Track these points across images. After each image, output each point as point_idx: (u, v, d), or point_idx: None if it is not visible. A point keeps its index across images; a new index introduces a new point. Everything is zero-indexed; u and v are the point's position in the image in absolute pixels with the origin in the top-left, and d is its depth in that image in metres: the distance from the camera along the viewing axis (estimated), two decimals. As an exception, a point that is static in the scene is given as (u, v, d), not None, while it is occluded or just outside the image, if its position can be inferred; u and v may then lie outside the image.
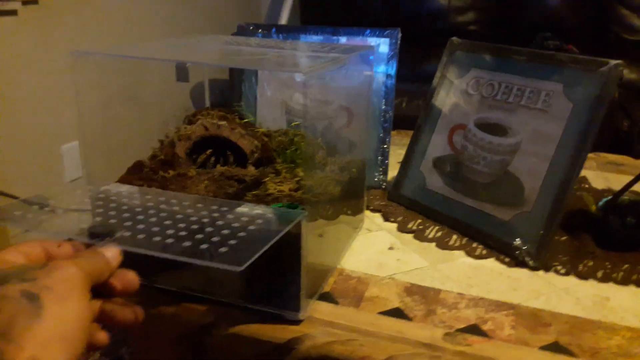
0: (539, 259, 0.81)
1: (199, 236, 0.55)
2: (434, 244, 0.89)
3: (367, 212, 0.98)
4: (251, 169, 0.80)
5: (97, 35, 1.39)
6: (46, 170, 1.78)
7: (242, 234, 0.56)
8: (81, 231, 0.54)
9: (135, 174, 0.76)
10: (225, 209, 0.63)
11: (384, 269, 0.81)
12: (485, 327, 0.69)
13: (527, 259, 0.82)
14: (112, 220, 0.58)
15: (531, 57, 0.89)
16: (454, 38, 1.01)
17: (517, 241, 0.84)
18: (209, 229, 0.56)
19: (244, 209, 0.64)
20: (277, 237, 0.55)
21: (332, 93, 1.06)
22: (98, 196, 0.64)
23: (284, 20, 2.70)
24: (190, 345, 0.72)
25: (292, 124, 0.96)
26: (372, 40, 1.02)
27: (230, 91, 1.06)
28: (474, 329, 0.69)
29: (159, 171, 0.77)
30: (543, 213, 0.83)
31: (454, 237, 0.90)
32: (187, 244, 0.53)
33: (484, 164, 0.91)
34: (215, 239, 0.54)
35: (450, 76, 1.00)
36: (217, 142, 0.82)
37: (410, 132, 1.06)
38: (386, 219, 0.96)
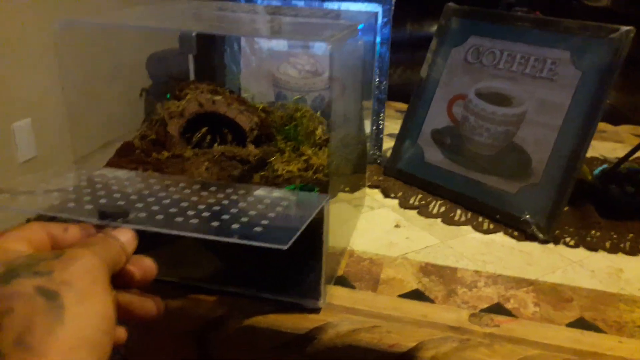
0: (549, 232, 0.80)
1: (225, 217, 0.49)
2: (439, 219, 0.86)
3: (366, 189, 0.94)
4: (251, 148, 0.74)
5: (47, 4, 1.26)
6: (-5, 151, 1.65)
7: (271, 214, 0.51)
8: (89, 212, 0.47)
9: (126, 157, 0.69)
10: (242, 191, 0.57)
11: (395, 249, 0.77)
12: (508, 306, 0.67)
13: (537, 232, 0.80)
14: (120, 203, 0.51)
15: (535, 24, 0.85)
16: (450, 3, 0.96)
17: (526, 214, 0.82)
18: (233, 210, 0.51)
19: (261, 192, 0.59)
20: (311, 218, 0.50)
21: (322, 63, 1.00)
22: (95, 180, 0.57)
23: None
24: (195, 341, 0.67)
25: (295, 97, 0.90)
26: (364, 6, 0.96)
27: (208, 62, 0.98)
28: (498, 309, 0.66)
29: (152, 153, 0.69)
30: (552, 185, 0.81)
31: (458, 211, 0.88)
32: (215, 223, 0.47)
33: (487, 136, 0.88)
34: (244, 219, 0.48)
35: (447, 44, 0.95)
36: (212, 119, 0.75)
37: (403, 104, 1.02)
38: (386, 195, 0.93)
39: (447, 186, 0.91)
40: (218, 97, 0.74)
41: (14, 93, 1.66)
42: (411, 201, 0.90)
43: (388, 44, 0.97)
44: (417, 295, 0.68)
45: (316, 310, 0.64)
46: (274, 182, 0.66)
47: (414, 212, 0.88)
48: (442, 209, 0.88)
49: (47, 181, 0.52)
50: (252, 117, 0.75)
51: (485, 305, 0.67)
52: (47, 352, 0.31)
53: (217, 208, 0.51)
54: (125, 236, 0.42)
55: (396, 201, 0.91)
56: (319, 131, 0.81)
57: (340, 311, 0.65)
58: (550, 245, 0.80)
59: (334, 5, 0.97)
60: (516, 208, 0.83)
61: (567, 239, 0.81)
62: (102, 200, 0.49)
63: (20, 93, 1.63)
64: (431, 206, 0.89)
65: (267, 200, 0.55)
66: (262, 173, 0.68)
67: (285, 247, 0.43)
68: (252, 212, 0.51)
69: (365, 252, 0.76)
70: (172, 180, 0.59)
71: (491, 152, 0.88)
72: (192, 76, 0.87)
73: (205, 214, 0.49)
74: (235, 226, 0.47)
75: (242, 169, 0.69)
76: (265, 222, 0.48)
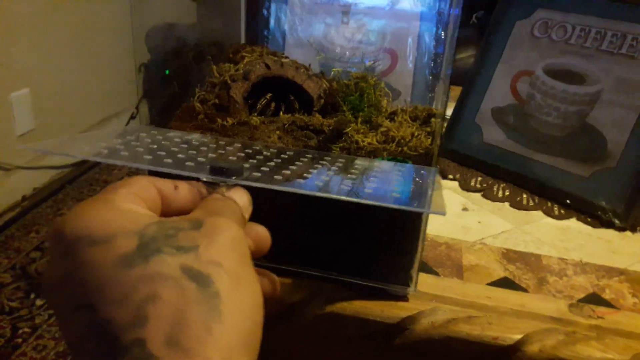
0: (628, 219, 0.75)
1: (349, 181, 0.42)
2: (506, 203, 0.80)
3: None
4: (318, 117, 0.67)
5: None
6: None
7: (397, 181, 0.44)
8: (194, 167, 0.39)
9: (188, 122, 0.61)
10: (342, 160, 0.50)
11: (470, 233, 0.71)
12: (606, 296, 0.62)
13: (614, 219, 0.75)
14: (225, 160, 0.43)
15: (616, -4, 0.80)
16: (516, -26, 0.90)
17: (601, 200, 0.76)
18: (353, 175, 0.44)
19: (362, 162, 0.52)
20: (434, 186, 0.44)
21: (375, 32, 0.93)
22: (175, 140, 0.49)
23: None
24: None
25: (369, 62, 0.82)
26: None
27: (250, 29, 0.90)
28: (595, 299, 0.61)
29: (216, 118, 0.62)
30: (631, 169, 0.76)
31: (524, 195, 0.82)
32: (346, 186, 0.40)
33: (557, 115, 0.83)
34: (372, 185, 0.42)
35: (510, 17, 0.89)
36: (275, 85, 0.67)
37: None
38: (444, 177, 0.87)
39: (509, 168, 0.85)
40: (286, 60, 0.67)
41: (12, 61, 1.55)
42: (472, 183, 0.84)
43: (447, 12, 0.90)
44: (507, 283, 0.62)
45: (404, 298, 0.58)
46: (355, 154, 0.59)
47: (478, 195, 0.82)
48: (507, 192, 0.82)
49: (117, 139, 0.44)
50: (320, 83, 0.68)
51: (582, 295, 0.61)
52: (207, 355, 0.24)
53: (328, 172, 0.44)
54: (242, 199, 0.35)
55: (455, 183, 0.85)
56: (384, 102, 0.74)
57: (429, 299, 0.58)
58: (628, 233, 0.75)
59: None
60: (589, 193, 0.78)
61: (645, 227, 0.76)
62: (200, 159, 0.41)
63: (18, 61, 1.52)
64: (495, 189, 0.83)
65: (377, 169, 0.48)
66: (341, 144, 0.61)
67: (426, 211, 0.36)
68: (374, 178, 0.44)
69: (439, 236, 0.70)
70: (260, 145, 0.51)
71: (561, 133, 0.83)
72: (242, 39, 0.79)
73: (321, 177, 0.42)
74: (369, 190, 0.40)
75: (317, 139, 0.62)
76: (397, 189, 0.42)
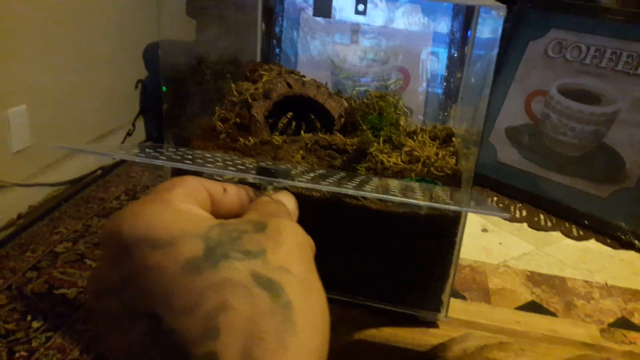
0: (648, 240, 0.74)
1: (394, 190, 0.41)
2: (525, 224, 0.79)
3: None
4: (340, 137, 0.65)
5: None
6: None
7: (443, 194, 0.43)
8: (244, 169, 0.37)
9: (210, 141, 0.59)
10: (375, 179, 0.49)
11: (492, 255, 0.70)
12: (635, 320, 0.60)
13: (634, 240, 0.74)
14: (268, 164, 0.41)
15: (630, 18, 0.80)
16: (528, -6, 0.90)
17: (620, 221, 0.76)
18: (395, 190, 0.42)
19: (397, 181, 0.50)
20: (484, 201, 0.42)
21: (387, 51, 0.92)
22: (205, 155, 0.47)
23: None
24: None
25: (391, 81, 0.81)
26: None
27: (268, 51, 0.89)
28: (625, 323, 0.60)
29: (238, 138, 0.60)
30: (650, 189, 0.75)
31: (541, 216, 0.81)
32: (394, 195, 0.39)
33: (573, 135, 0.82)
34: (409, 193, 0.40)
35: (523, 36, 0.89)
36: (296, 104, 0.66)
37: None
38: (459, 196, 0.85)
39: (525, 188, 0.84)
40: (307, 79, 0.65)
41: (9, 77, 1.52)
42: (489, 203, 0.83)
43: (459, 32, 0.90)
44: (535, 307, 0.61)
45: (434, 324, 0.56)
46: (382, 174, 0.58)
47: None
48: (524, 212, 0.81)
49: (149, 150, 0.42)
50: (341, 102, 0.67)
51: (611, 320, 0.60)
52: None
53: (370, 186, 0.42)
54: (290, 202, 0.33)
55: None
56: (402, 121, 0.73)
57: (459, 325, 0.57)
58: (649, 254, 0.74)
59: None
60: (608, 213, 0.77)
61: (664, 248, 0.75)
62: (240, 166, 0.39)
63: (15, 77, 1.49)
64: (512, 209, 0.82)
65: (413, 187, 0.47)
66: (366, 164, 0.59)
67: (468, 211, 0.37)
68: (405, 191, 0.43)
69: (463, 259, 0.69)
70: (289, 165, 0.49)
71: (577, 153, 0.82)
72: (258, 57, 0.78)
73: (365, 188, 0.41)
74: (411, 194, 0.39)
75: (342, 159, 0.60)
76: (423, 197, 0.41)
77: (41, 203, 1.10)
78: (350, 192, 0.35)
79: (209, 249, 0.25)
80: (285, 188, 0.34)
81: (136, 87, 1.64)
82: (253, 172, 0.34)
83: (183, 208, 0.27)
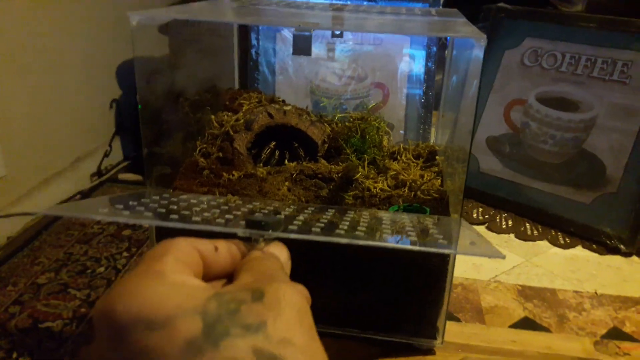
0: (633, 245, 0.75)
1: (387, 234, 0.40)
2: (512, 234, 0.79)
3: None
4: (324, 163, 0.65)
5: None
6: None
7: (411, 232, 0.43)
8: (232, 223, 0.36)
9: (194, 179, 0.58)
10: (365, 214, 0.48)
11: (483, 271, 0.70)
12: (627, 329, 0.61)
13: (619, 245, 0.75)
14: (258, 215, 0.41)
15: (603, 25, 0.81)
16: (501, 4, 0.91)
17: (605, 226, 0.77)
18: (387, 227, 0.42)
19: (387, 214, 0.50)
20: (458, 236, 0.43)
21: (364, 68, 0.92)
22: (191, 201, 0.46)
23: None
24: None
25: (372, 104, 0.81)
26: (413, 4, 0.89)
27: (244, 71, 0.88)
28: (618, 333, 0.60)
29: (222, 173, 0.59)
30: (632, 194, 0.76)
31: (527, 225, 0.82)
32: (386, 235, 0.39)
33: (553, 143, 0.83)
34: (395, 235, 0.40)
35: (498, 46, 0.90)
36: (278, 132, 0.65)
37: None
38: (445, 210, 0.86)
39: (508, 197, 0.85)
40: (288, 107, 0.65)
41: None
42: (474, 215, 0.83)
43: (436, 45, 0.90)
44: (528, 323, 0.61)
45: (431, 351, 0.56)
46: (370, 202, 0.58)
47: (482, 228, 0.81)
48: (510, 222, 0.82)
49: (132, 202, 0.41)
50: (324, 129, 0.66)
51: (604, 331, 0.61)
52: None
53: (361, 226, 0.42)
54: (282, 254, 0.32)
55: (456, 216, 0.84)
56: (385, 142, 0.73)
57: (455, 350, 0.57)
58: (635, 258, 0.75)
59: (380, 4, 0.89)
60: (593, 219, 0.78)
61: (649, 251, 0.76)
62: (228, 216, 0.38)
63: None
64: (498, 220, 0.82)
65: (402, 221, 0.47)
66: (353, 192, 0.59)
67: (455, 252, 0.38)
68: (396, 229, 0.43)
69: (454, 277, 0.68)
70: (276, 203, 0.49)
71: (558, 160, 0.83)
72: (236, 84, 0.77)
73: (359, 228, 0.40)
74: (411, 236, 0.39)
75: (328, 188, 0.60)
76: (413, 235, 0.41)
77: (20, 233, 1.07)
78: (344, 241, 0.35)
79: (207, 326, 0.24)
80: (276, 237, 0.34)
81: (111, 106, 1.60)
82: (242, 223, 0.33)
83: (177, 280, 0.27)
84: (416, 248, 0.36)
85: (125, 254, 0.78)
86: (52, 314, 0.67)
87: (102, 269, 0.77)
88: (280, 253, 0.33)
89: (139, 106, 0.87)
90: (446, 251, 0.41)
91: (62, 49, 1.06)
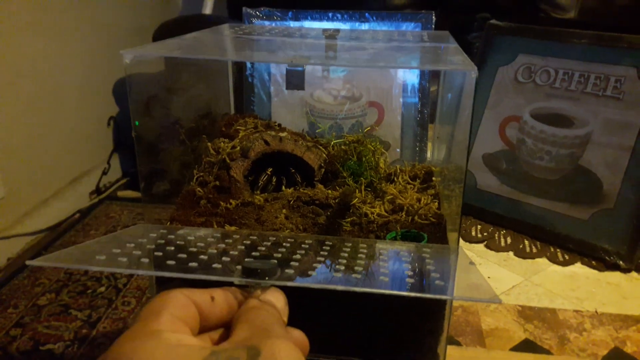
0: (632, 260, 0.75)
1: (383, 275, 0.41)
2: (511, 252, 0.79)
3: (422, 222, 0.86)
4: (321, 188, 0.65)
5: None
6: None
7: (409, 267, 0.43)
8: (223, 269, 0.36)
9: (191, 209, 0.58)
10: (363, 245, 0.48)
11: (483, 292, 0.70)
12: (628, 349, 0.61)
13: (618, 260, 0.75)
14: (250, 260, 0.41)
15: (595, 40, 0.81)
16: (493, 21, 0.91)
17: (603, 242, 0.77)
18: (384, 263, 0.42)
19: (384, 245, 0.50)
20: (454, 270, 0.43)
21: (358, 88, 0.93)
22: (187, 239, 0.46)
23: (208, 9, 2.45)
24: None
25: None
26: (404, 26, 0.89)
27: (239, 94, 0.88)
28: (619, 354, 0.60)
29: (219, 202, 0.59)
30: (629, 209, 0.76)
31: (526, 242, 0.82)
32: (382, 277, 0.39)
33: (549, 159, 0.83)
34: (408, 273, 0.40)
35: (492, 63, 0.90)
36: (276, 158, 0.65)
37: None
38: (443, 228, 0.86)
39: (506, 214, 0.85)
40: (284, 134, 0.65)
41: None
42: (473, 233, 0.84)
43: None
44: (529, 346, 0.61)
45: (432, 376, 0.55)
46: (368, 228, 0.58)
47: (481, 246, 0.81)
48: (509, 239, 0.82)
49: (130, 244, 0.41)
50: (320, 153, 0.66)
51: (605, 352, 0.61)
52: None
53: (357, 263, 0.42)
54: (279, 301, 0.32)
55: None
56: (382, 164, 0.73)
57: (457, 374, 0.57)
58: (634, 274, 0.75)
59: (373, 27, 0.89)
60: (590, 235, 0.78)
61: (648, 266, 0.76)
62: (225, 258, 0.39)
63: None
64: (496, 237, 0.82)
65: (403, 252, 0.47)
66: (350, 219, 0.59)
67: (451, 298, 0.38)
68: (395, 266, 0.43)
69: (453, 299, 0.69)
70: (273, 235, 0.49)
71: (555, 177, 0.83)
72: (232, 109, 0.77)
73: (355, 269, 0.40)
74: (384, 279, 0.39)
75: (326, 215, 0.60)
76: (410, 275, 0.41)
77: (20, 254, 1.07)
78: (340, 288, 0.35)
79: None
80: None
81: (109, 124, 1.60)
82: (239, 268, 0.33)
83: (172, 340, 0.26)
84: (412, 294, 0.36)
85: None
86: (54, 336, 0.67)
87: (102, 289, 0.76)
88: (277, 300, 0.33)
89: (136, 123, 0.87)
90: (443, 297, 0.41)
91: (59, 67, 1.06)
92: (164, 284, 0.53)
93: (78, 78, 1.17)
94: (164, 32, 1.14)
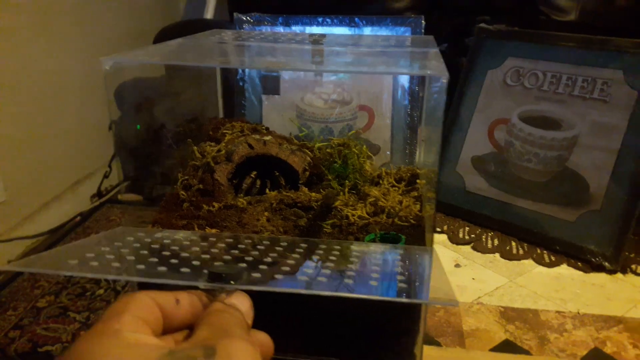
0: (617, 262, 0.75)
1: (350, 278, 0.41)
2: (497, 254, 0.80)
3: (410, 224, 0.87)
4: (305, 191, 0.66)
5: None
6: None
7: (385, 270, 0.43)
8: (190, 274, 0.38)
9: (173, 211, 0.59)
10: (337, 247, 0.49)
11: (466, 293, 0.71)
12: (608, 350, 0.61)
13: (604, 262, 0.76)
14: (219, 264, 0.42)
15: (582, 44, 0.82)
16: (483, 24, 0.92)
17: (590, 243, 0.77)
18: (352, 265, 0.43)
19: (358, 247, 0.51)
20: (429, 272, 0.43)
21: (349, 92, 0.94)
22: (164, 243, 0.47)
23: (209, 14, 2.47)
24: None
25: (352, 131, 0.82)
26: (394, 30, 0.90)
27: (230, 98, 0.89)
28: (598, 355, 0.61)
29: (202, 205, 0.60)
30: (615, 211, 0.77)
31: (513, 243, 0.82)
32: (349, 279, 0.40)
33: (537, 161, 0.84)
34: (375, 275, 0.41)
35: (481, 66, 0.91)
36: (259, 161, 0.67)
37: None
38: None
39: (494, 216, 0.86)
40: (268, 137, 0.66)
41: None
42: (460, 235, 0.84)
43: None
44: (509, 346, 0.62)
45: (410, 376, 0.56)
46: (347, 230, 0.59)
47: (467, 248, 0.82)
48: (496, 241, 0.83)
49: (105, 248, 0.43)
50: (304, 157, 0.68)
51: (584, 352, 0.61)
52: None
53: (328, 265, 0.43)
54: (244, 305, 0.33)
55: (444, 236, 0.85)
56: (367, 166, 0.74)
57: (435, 374, 0.57)
58: (620, 275, 0.76)
59: (363, 32, 0.90)
60: (577, 237, 0.79)
61: (634, 267, 0.77)
62: (195, 262, 0.40)
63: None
64: (484, 239, 0.83)
65: (371, 255, 0.48)
66: (331, 221, 0.60)
67: (427, 302, 0.35)
68: (365, 268, 0.44)
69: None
70: (249, 237, 0.50)
71: (543, 179, 0.83)
72: (221, 113, 0.79)
73: (322, 271, 0.41)
74: (349, 281, 0.40)
75: (307, 217, 0.61)
76: (378, 278, 0.41)
77: (19, 257, 1.09)
78: (304, 292, 0.36)
79: None
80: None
81: (110, 128, 1.61)
82: (205, 273, 0.34)
83: (131, 340, 0.28)
84: (378, 298, 0.37)
85: (119, 278, 0.79)
86: (52, 338, 0.68)
87: (101, 291, 0.78)
88: (241, 303, 0.33)
89: (137, 126, 0.88)
90: (409, 301, 0.42)
91: (60, 72, 1.08)
92: (146, 287, 0.54)
93: (79, 82, 1.19)
94: (164, 36, 1.16)
